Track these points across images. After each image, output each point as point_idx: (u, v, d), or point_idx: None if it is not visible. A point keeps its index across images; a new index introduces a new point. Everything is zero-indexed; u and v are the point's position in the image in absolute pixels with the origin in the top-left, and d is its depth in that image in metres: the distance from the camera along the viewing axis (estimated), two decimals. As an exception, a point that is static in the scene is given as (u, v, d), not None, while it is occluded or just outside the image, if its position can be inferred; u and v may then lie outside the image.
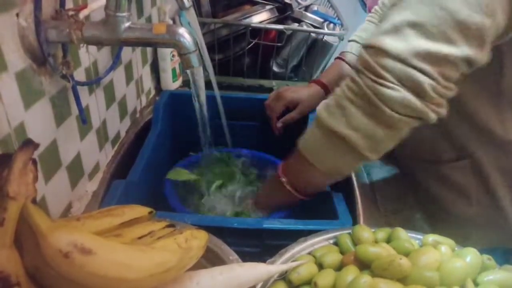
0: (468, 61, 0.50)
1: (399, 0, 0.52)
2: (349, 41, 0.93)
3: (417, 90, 0.50)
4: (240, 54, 1.12)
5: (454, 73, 0.51)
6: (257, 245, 0.60)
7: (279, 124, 0.90)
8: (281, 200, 0.69)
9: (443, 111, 0.53)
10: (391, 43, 0.50)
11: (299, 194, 0.65)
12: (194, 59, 0.56)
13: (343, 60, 0.89)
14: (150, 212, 0.46)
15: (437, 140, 0.71)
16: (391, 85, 0.50)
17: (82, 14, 0.55)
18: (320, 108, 0.57)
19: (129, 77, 0.85)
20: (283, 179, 0.65)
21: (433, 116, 0.52)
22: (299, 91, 0.89)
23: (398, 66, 0.49)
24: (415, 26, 0.49)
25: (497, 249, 0.74)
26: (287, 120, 0.89)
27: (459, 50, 0.49)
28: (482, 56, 0.51)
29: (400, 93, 0.50)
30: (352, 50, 0.90)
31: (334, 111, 0.55)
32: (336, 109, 0.54)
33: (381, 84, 0.50)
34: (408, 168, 0.82)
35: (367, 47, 0.53)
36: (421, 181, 0.78)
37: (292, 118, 0.88)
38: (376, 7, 0.95)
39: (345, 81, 0.55)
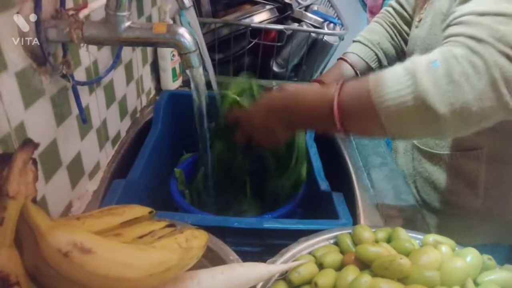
0: None
1: None
2: (354, 41, 0.92)
3: None
4: (240, 54, 1.12)
5: None
6: (258, 245, 0.60)
7: None
8: (318, 120, 0.56)
9: None
10: None
11: (343, 129, 0.53)
12: (194, 59, 0.56)
13: (346, 61, 0.89)
14: (150, 212, 0.46)
15: None
16: None
17: (82, 14, 0.55)
18: (422, 70, 0.46)
19: (129, 77, 0.85)
20: (335, 103, 0.52)
21: None
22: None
23: None
24: None
25: (500, 246, 0.75)
26: None
27: None
28: None
29: None
30: (355, 51, 0.90)
31: (442, 84, 0.45)
32: (446, 84, 0.45)
33: None
34: (408, 158, 0.82)
35: (491, 14, 0.46)
36: (427, 172, 0.78)
37: None
38: (388, 8, 0.93)
39: (462, 51, 0.46)
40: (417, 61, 0.48)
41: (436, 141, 0.75)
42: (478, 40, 0.45)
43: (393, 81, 0.48)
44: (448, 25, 0.51)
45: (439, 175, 0.76)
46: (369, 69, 0.88)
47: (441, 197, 0.76)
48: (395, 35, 0.90)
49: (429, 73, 0.46)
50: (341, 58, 0.91)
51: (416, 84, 0.46)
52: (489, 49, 0.44)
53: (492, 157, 0.69)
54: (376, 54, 0.88)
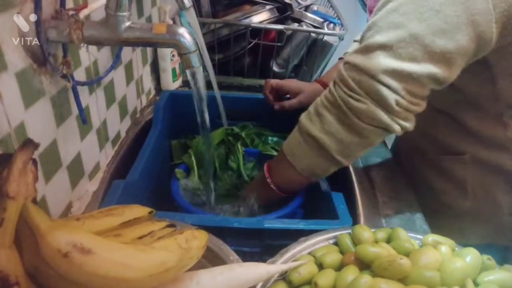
0: (435, 79, 0.54)
1: (373, 24, 0.57)
2: (354, 41, 0.93)
3: (382, 103, 0.55)
4: (240, 54, 1.12)
5: (420, 89, 0.55)
6: (258, 245, 0.60)
7: (276, 107, 0.90)
8: (265, 194, 0.73)
9: (409, 124, 0.58)
10: (363, 60, 0.56)
11: (280, 191, 0.70)
12: (194, 59, 0.56)
13: None
14: (150, 212, 0.46)
15: (441, 135, 0.74)
16: (359, 97, 0.56)
17: (82, 14, 0.55)
18: (302, 115, 0.64)
19: (129, 77, 0.85)
20: (268, 180, 0.70)
21: (398, 129, 0.57)
22: (303, 84, 0.92)
23: (366, 80, 0.55)
24: (384, 47, 0.55)
25: (493, 246, 0.75)
26: (284, 104, 0.89)
27: (423, 68, 0.53)
28: (450, 74, 0.55)
29: (367, 105, 0.56)
30: None
31: (313, 117, 0.61)
32: (315, 116, 0.61)
33: (351, 96, 0.57)
34: (409, 160, 0.83)
35: (345, 63, 0.59)
36: (420, 173, 0.80)
37: (289, 105, 0.88)
38: None
39: (324, 92, 0.62)
40: (303, 113, 0.65)
41: (429, 145, 0.78)
42: (334, 82, 0.61)
43: (291, 133, 0.66)
44: None
45: (432, 177, 0.79)
46: None
47: (435, 199, 0.78)
48: None
49: (306, 114, 0.64)
50: (341, 58, 0.91)
51: (299, 126, 0.64)
52: (336, 87, 0.59)
53: (476, 162, 0.72)
54: None
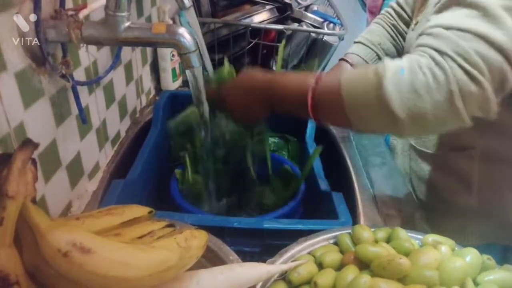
0: None
1: None
2: (355, 42, 0.92)
3: (500, 87, 0.47)
4: (240, 54, 1.12)
5: None
6: (257, 245, 0.60)
7: None
8: (293, 103, 0.59)
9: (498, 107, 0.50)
10: (489, 29, 0.46)
11: (313, 115, 0.57)
12: (194, 59, 0.56)
13: (347, 61, 0.89)
14: (150, 212, 0.46)
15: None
16: (482, 79, 0.45)
17: (81, 14, 0.55)
18: (389, 76, 0.49)
19: (129, 77, 0.85)
20: (310, 91, 0.55)
21: (495, 113, 0.49)
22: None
23: (496, 58, 0.46)
24: (510, 9, 0.46)
25: (494, 246, 0.75)
26: None
27: None
28: None
29: (486, 92, 0.46)
30: (356, 52, 0.90)
31: (405, 92, 0.48)
32: (408, 92, 0.48)
33: (472, 78, 0.45)
34: (405, 156, 0.82)
35: (455, 29, 0.48)
36: (423, 171, 0.79)
37: None
38: (388, 9, 0.93)
39: (427, 61, 0.48)
40: (386, 66, 0.50)
41: (431, 141, 0.77)
42: (441, 53, 0.47)
43: (362, 81, 0.52)
44: (421, 34, 0.53)
45: (435, 175, 0.77)
46: None
47: (436, 196, 0.77)
48: (396, 36, 0.90)
49: (395, 79, 0.48)
50: (342, 59, 0.91)
51: (382, 88, 0.48)
52: (450, 63, 0.46)
53: (484, 157, 0.70)
54: (378, 55, 0.88)
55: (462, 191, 0.74)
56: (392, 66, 0.50)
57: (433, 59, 0.48)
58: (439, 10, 0.53)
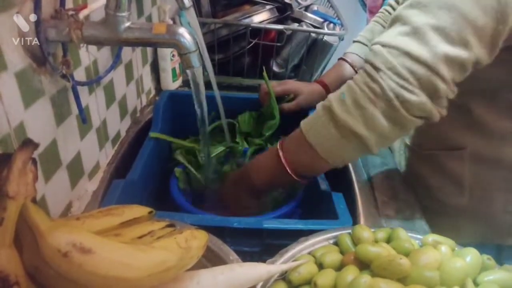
0: (478, 64, 0.52)
1: (417, 3, 0.52)
2: (354, 41, 0.93)
3: (434, 95, 0.52)
4: (240, 54, 1.12)
5: (462, 76, 0.53)
6: (257, 245, 0.60)
7: None
8: (273, 175, 0.64)
9: (445, 111, 0.55)
10: (415, 47, 0.51)
11: (294, 174, 0.62)
12: (194, 59, 0.56)
13: (346, 61, 0.89)
14: (150, 212, 0.46)
15: (441, 127, 0.72)
16: (413, 88, 0.51)
17: (82, 14, 0.55)
18: (336, 105, 0.55)
19: (129, 77, 0.85)
20: (281, 153, 0.62)
21: (438, 117, 0.54)
22: (301, 85, 0.91)
23: (422, 71, 0.50)
24: (438, 30, 0.50)
25: (488, 246, 0.75)
26: (283, 107, 0.89)
27: (473, 54, 0.51)
28: (489, 58, 0.53)
29: (420, 98, 0.51)
30: (355, 51, 0.90)
31: (353, 111, 0.54)
32: (355, 108, 0.54)
33: (404, 87, 0.51)
34: (407, 156, 0.83)
35: (388, 46, 0.53)
36: (418, 170, 0.80)
37: (288, 108, 0.88)
38: (386, 7, 0.94)
39: (362, 78, 0.54)
40: (329, 97, 0.57)
41: (424, 140, 0.78)
42: (377, 68, 0.53)
43: (318, 120, 0.58)
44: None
45: (428, 174, 0.78)
46: None
47: (431, 196, 0.78)
48: None
49: (340, 104, 0.55)
50: (341, 58, 0.91)
51: (334, 115, 0.55)
52: (383, 76, 0.52)
53: (475, 157, 0.71)
54: None
55: (454, 191, 0.75)
56: (334, 96, 0.57)
57: (369, 75, 0.53)
58: (388, 26, 0.58)
